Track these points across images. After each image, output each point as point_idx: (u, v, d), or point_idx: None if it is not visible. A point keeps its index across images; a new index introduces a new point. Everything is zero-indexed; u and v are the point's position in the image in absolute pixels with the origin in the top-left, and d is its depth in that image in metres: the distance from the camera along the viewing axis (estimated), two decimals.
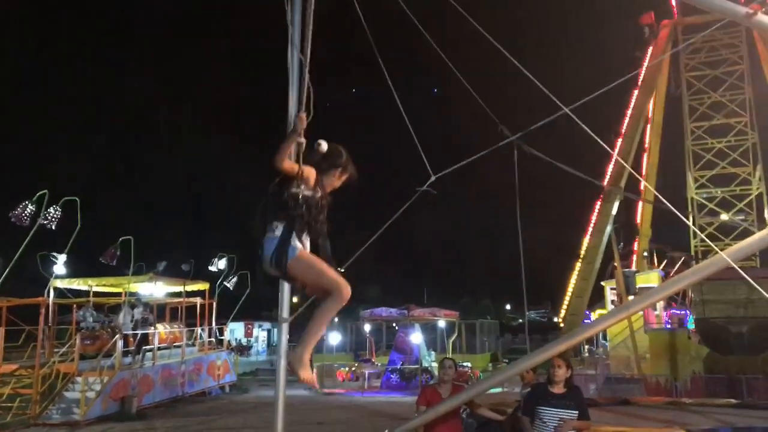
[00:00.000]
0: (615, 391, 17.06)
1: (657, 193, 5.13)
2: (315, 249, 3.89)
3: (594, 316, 27.48)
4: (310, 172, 3.84)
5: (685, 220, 4.97)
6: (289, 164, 3.76)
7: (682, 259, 29.84)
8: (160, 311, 26.45)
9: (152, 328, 21.66)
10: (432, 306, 31.84)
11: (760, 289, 4.49)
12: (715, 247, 4.82)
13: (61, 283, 20.41)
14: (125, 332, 19.82)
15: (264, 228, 3.81)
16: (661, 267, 31.32)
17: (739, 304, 18.41)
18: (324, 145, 3.94)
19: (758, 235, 4.70)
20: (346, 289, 3.66)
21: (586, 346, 32.25)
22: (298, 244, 3.70)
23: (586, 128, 5.19)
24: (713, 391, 16.73)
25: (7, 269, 16.90)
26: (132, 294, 22.41)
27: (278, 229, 3.73)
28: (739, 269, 4.16)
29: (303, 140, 3.91)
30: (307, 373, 3.79)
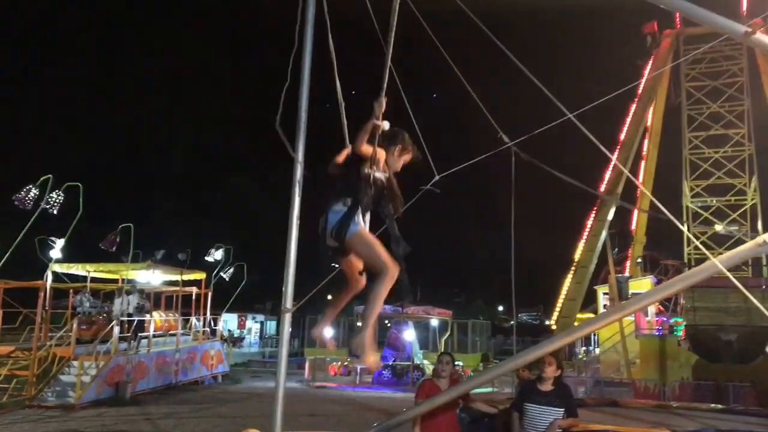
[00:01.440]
0: (604, 393, 17.28)
1: (654, 199, 5.30)
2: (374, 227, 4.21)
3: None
4: (381, 154, 4.14)
5: (680, 226, 5.16)
6: (366, 147, 4.03)
7: (675, 266, 30.10)
8: (157, 299, 26.61)
9: (148, 315, 21.82)
10: (426, 304, 32.04)
11: (752, 297, 4.67)
12: (708, 254, 5.00)
13: (59, 268, 20.56)
14: (122, 318, 19.97)
15: (330, 202, 4.08)
16: (655, 274, 31.58)
17: (730, 312, 18.67)
18: (386, 124, 4.16)
19: (749, 244, 4.87)
20: (395, 270, 3.94)
21: (582, 348, 32.54)
22: (360, 221, 3.97)
23: (587, 133, 5.34)
24: (701, 397, 16.98)
25: (9, 252, 17.05)
26: (129, 281, 22.57)
27: (345, 205, 3.99)
28: (731, 276, 4.33)
29: (381, 124, 4.12)
30: (372, 357, 4.08)
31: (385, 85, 4.31)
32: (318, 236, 4.12)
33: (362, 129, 4.02)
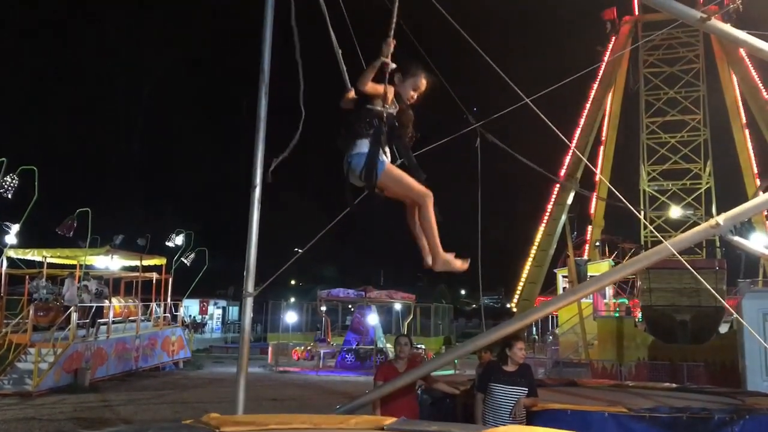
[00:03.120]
0: (563, 374, 17.58)
1: (612, 187, 5.41)
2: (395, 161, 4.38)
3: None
4: (390, 90, 4.23)
5: (634, 211, 5.26)
6: (372, 86, 4.14)
7: (633, 249, 30.69)
8: (116, 285, 26.23)
9: (107, 301, 21.51)
10: (389, 288, 32.18)
11: (700, 278, 4.81)
12: (661, 238, 5.13)
13: (14, 254, 20.11)
14: (78, 305, 19.64)
15: (349, 144, 4.19)
16: (612, 257, 32.16)
17: (684, 293, 19.08)
18: (392, 64, 4.25)
19: (702, 226, 5.01)
20: (430, 194, 4.21)
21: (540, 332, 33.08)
22: (386, 158, 4.13)
23: (544, 118, 5.43)
24: (656, 377, 17.39)
25: None
26: (88, 267, 22.18)
27: (364, 146, 4.10)
28: (681, 258, 4.45)
29: (391, 63, 4.22)
30: (459, 262, 4.37)
31: (393, 27, 4.42)
32: (344, 176, 4.27)
33: (368, 67, 4.16)
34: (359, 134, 4.15)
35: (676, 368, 17.78)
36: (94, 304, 20.59)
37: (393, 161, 4.38)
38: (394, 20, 4.49)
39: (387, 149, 4.22)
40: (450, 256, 4.35)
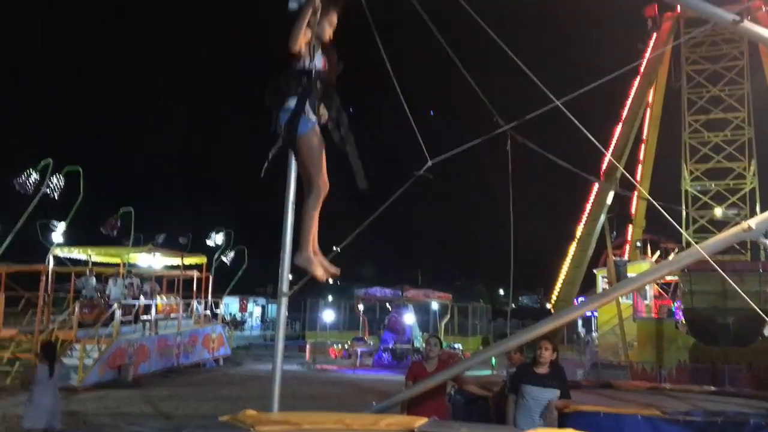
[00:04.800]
0: (601, 376, 17.41)
1: (646, 194, 5.38)
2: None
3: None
4: (308, 35, 3.94)
5: (665, 214, 5.24)
6: (304, 40, 3.91)
7: (676, 249, 30.18)
8: (158, 283, 26.78)
9: (142, 298, 21.88)
10: (426, 288, 32.19)
11: (730, 281, 4.77)
12: (691, 240, 5.10)
13: (61, 252, 20.68)
14: (123, 303, 20.14)
15: (277, 99, 3.97)
16: (655, 258, 31.66)
17: (727, 295, 18.71)
18: (294, 3, 4.00)
19: (734, 230, 4.97)
20: (325, 188, 3.96)
21: (582, 331, 32.76)
22: (312, 118, 3.89)
23: (576, 122, 5.43)
24: (697, 380, 17.10)
25: (10, 236, 17.15)
26: (131, 265, 22.71)
27: (292, 102, 3.90)
28: (712, 261, 4.43)
29: (318, 6, 3.97)
30: (320, 269, 4.08)
31: None
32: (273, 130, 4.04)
33: (299, 22, 3.88)
34: (289, 92, 3.93)
35: (717, 371, 17.47)
36: (138, 302, 21.06)
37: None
38: None
39: (321, 108, 3.96)
40: (317, 258, 4.07)
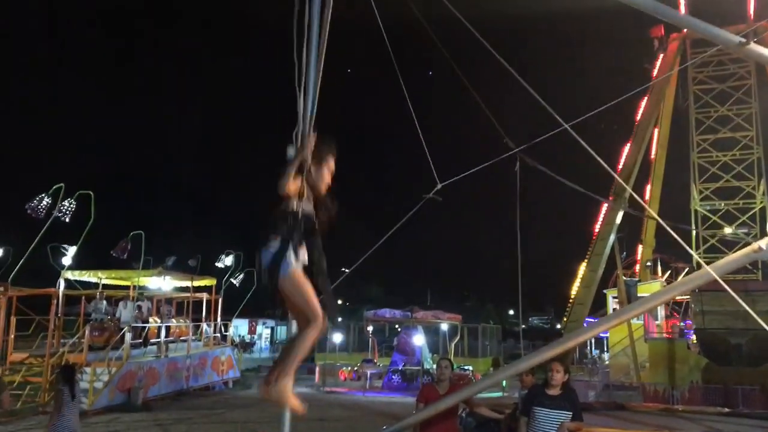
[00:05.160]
0: (613, 397, 17.28)
1: (654, 215, 5.39)
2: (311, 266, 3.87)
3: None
4: (304, 185, 3.88)
5: (674, 234, 5.25)
6: (294, 186, 3.81)
7: (686, 269, 30.04)
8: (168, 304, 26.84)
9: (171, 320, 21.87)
10: (435, 309, 32.06)
11: (742, 302, 4.76)
12: (701, 261, 5.09)
13: (71, 275, 20.77)
14: (134, 325, 20.18)
15: (263, 241, 3.83)
16: (665, 277, 31.51)
17: (739, 315, 18.54)
18: (291, 150, 3.97)
19: (745, 250, 4.98)
20: (324, 323, 3.69)
21: (595, 353, 32.54)
22: (293, 261, 3.72)
23: (584, 144, 5.46)
24: (710, 401, 16.94)
25: (22, 260, 17.28)
26: (141, 288, 22.77)
27: (275, 243, 3.76)
28: (722, 282, 4.42)
29: (308, 157, 3.93)
30: (296, 402, 3.76)
31: (309, 120, 4.14)
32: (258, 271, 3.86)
33: (288, 168, 3.82)
34: (273, 232, 3.80)
35: (730, 392, 17.31)
36: (147, 325, 21.10)
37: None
38: (307, 107, 4.20)
39: (302, 251, 3.81)
40: (290, 395, 3.71)
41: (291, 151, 4.01)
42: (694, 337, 22.29)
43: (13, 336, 19.13)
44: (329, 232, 4.05)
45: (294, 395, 3.74)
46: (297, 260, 3.76)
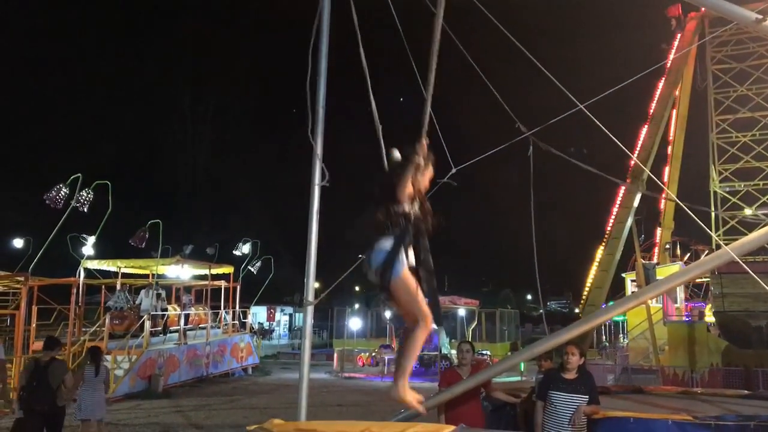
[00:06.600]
0: (632, 381, 17.23)
1: (673, 196, 5.33)
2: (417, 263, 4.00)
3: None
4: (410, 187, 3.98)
5: (693, 216, 5.19)
6: (408, 190, 3.93)
7: (706, 251, 29.74)
8: (186, 293, 27.08)
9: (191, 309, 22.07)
10: (452, 294, 32.08)
11: (762, 283, 4.69)
12: (720, 241, 5.03)
13: (91, 264, 20.99)
14: (153, 313, 20.40)
15: (369, 242, 3.93)
16: (684, 260, 31.24)
17: (759, 297, 18.40)
18: (397, 153, 4.11)
19: (762, 231, 4.91)
20: (430, 320, 3.82)
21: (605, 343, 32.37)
22: (405, 261, 3.82)
23: (600, 125, 5.41)
24: (730, 384, 16.83)
25: (42, 250, 17.46)
26: (160, 276, 22.97)
27: (388, 244, 3.84)
28: (740, 261, 4.37)
29: (422, 163, 4.04)
30: (414, 401, 3.94)
31: (426, 127, 4.29)
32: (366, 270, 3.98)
33: (405, 173, 3.92)
34: (383, 232, 3.88)
35: (750, 374, 17.19)
36: (167, 313, 21.30)
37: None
38: (426, 119, 4.36)
39: (410, 251, 3.91)
40: (410, 394, 3.92)
41: (396, 155, 4.14)
42: (712, 318, 22.12)
43: (34, 325, 19.37)
44: (433, 234, 4.13)
45: (411, 394, 3.94)
46: (407, 261, 3.87)
